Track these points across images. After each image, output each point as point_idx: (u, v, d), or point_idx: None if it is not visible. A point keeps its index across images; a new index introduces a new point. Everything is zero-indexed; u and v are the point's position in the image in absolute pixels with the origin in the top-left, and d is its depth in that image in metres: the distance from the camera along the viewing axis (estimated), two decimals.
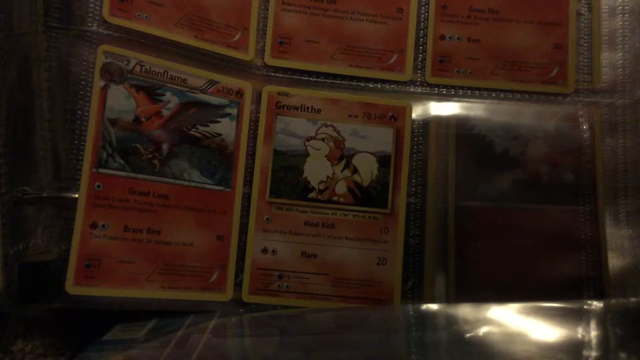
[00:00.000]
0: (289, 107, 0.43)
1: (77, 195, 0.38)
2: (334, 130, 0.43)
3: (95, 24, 0.39)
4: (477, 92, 0.44)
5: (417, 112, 0.44)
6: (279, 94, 0.43)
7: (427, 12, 0.45)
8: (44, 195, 0.37)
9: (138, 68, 0.40)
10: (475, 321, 0.36)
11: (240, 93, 0.43)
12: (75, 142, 0.38)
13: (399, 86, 0.44)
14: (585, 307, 0.37)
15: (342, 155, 0.43)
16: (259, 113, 0.43)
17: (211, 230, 0.41)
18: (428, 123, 0.44)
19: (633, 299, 0.39)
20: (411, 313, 0.40)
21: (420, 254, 0.43)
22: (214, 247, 0.41)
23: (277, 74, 0.44)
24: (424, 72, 0.44)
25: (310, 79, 0.44)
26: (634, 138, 0.43)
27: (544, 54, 0.44)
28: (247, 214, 0.42)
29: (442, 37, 0.45)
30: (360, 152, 0.43)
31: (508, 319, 0.37)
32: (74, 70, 0.38)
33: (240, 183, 0.42)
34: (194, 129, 0.41)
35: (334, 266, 0.42)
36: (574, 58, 0.44)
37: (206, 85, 0.42)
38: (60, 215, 0.37)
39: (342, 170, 0.43)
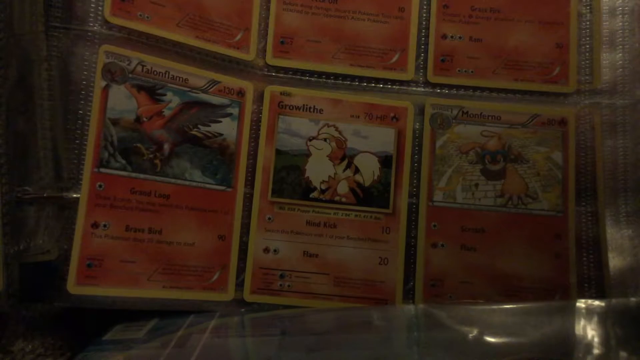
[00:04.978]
0: (291, 107, 0.43)
1: (78, 195, 0.37)
2: (336, 130, 0.43)
3: (96, 24, 0.38)
4: (478, 91, 0.44)
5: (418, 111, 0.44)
6: (281, 93, 0.43)
7: (429, 11, 0.45)
8: (45, 195, 0.37)
9: (139, 68, 0.39)
10: (475, 321, 0.36)
11: (241, 93, 0.43)
12: (77, 142, 0.38)
13: (401, 85, 0.44)
14: (585, 307, 0.37)
15: (344, 155, 0.43)
16: (260, 113, 0.43)
17: (212, 230, 0.41)
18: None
19: (633, 299, 0.39)
20: (412, 313, 0.40)
21: None
22: (215, 247, 0.41)
23: (278, 74, 0.44)
24: (426, 71, 0.44)
25: (312, 78, 0.44)
26: (634, 138, 0.43)
27: (545, 53, 0.44)
28: (248, 213, 0.42)
29: (444, 37, 0.45)
30: (362, 152, 0.43)
31: (508, 318, 0.37)
32: (75, 70, 0.38)
33: (242, 183, 0.42)
34: (195, 129, 0.41)
35: (336, 266, 0.42)
36: (576, 57, 0.44)
37: (207, 85, 0.42)
38: (61, 215, 0.37)
39: (344, 170, 0.43)
